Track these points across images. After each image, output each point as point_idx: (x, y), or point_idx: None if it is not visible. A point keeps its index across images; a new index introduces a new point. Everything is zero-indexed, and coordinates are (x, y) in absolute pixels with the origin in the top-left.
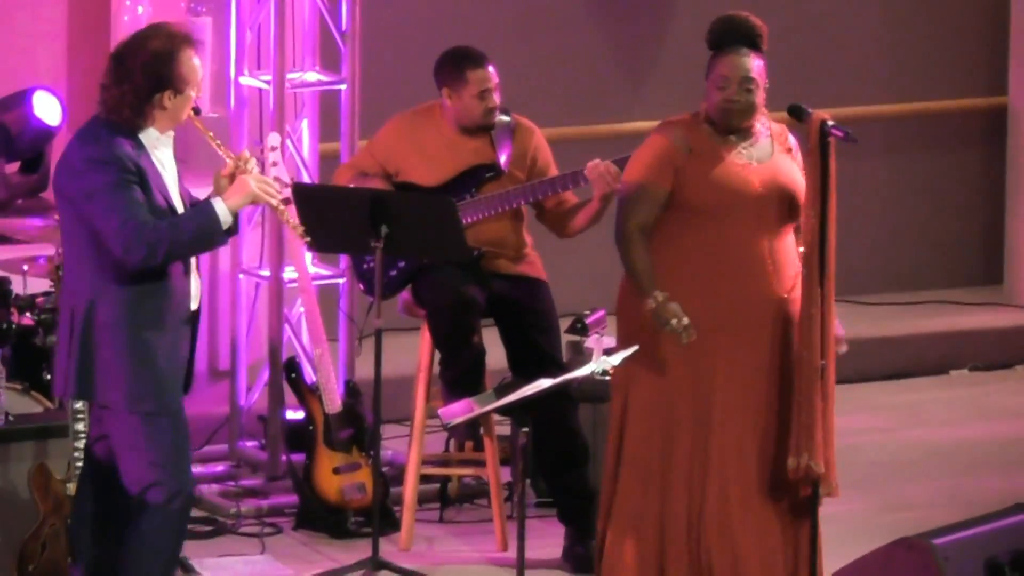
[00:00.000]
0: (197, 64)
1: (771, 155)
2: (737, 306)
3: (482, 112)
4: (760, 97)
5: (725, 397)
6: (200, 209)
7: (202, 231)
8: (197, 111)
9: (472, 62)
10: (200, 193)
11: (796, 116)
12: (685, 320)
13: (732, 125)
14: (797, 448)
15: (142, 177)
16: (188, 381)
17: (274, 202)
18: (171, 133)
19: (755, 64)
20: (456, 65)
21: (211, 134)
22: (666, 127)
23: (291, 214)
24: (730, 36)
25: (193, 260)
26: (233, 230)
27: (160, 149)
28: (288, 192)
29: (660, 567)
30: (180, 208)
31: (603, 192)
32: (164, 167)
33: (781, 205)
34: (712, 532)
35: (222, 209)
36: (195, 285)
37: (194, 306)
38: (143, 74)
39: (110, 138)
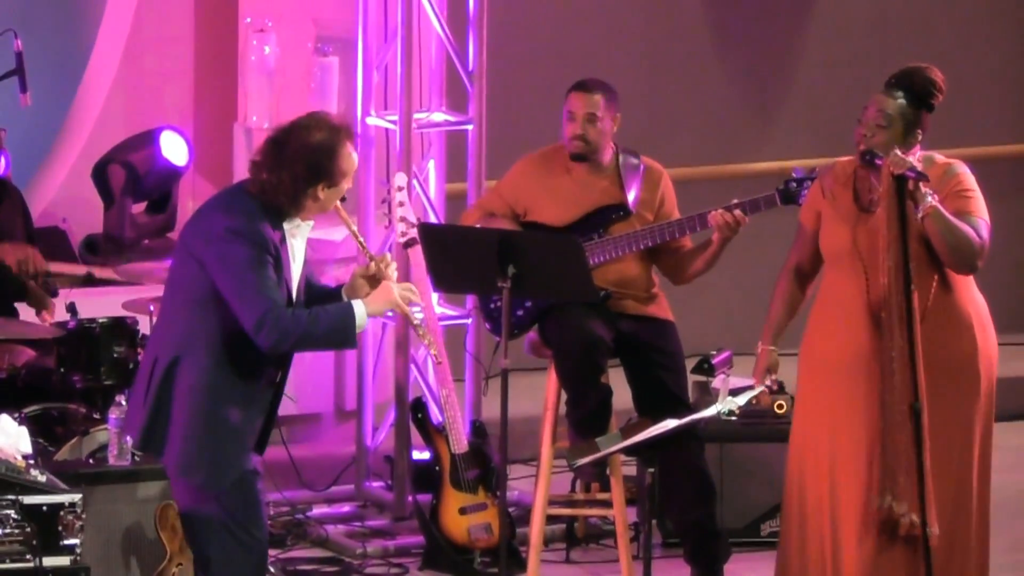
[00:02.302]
0: (355, 158)
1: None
2: (846, 348)
3: (568, 135)
4: (890, 136)
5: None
6: (341, 308)
7: (336, 330)
8: (343, 199)
9: (576, 85)
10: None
11: (867, 161)
12: (760, 388)
13: (862, 160)
14: (881, 489)
15: (277, 262)
16: (262, 445)
17: (413, 312)
18: (312, 222)
19: (897, 104)
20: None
21: (355, 229)
22: (826, 167)
23: (427, 330)
24: (892, 79)
25: None
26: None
27: (297, 238)
28: (414, 232)
29: None
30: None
31: (724, 237)
32: (295, 259)
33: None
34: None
35: (361, 312)
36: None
37: (280, 374)
38: (305, 165)
39: (257, 217)
